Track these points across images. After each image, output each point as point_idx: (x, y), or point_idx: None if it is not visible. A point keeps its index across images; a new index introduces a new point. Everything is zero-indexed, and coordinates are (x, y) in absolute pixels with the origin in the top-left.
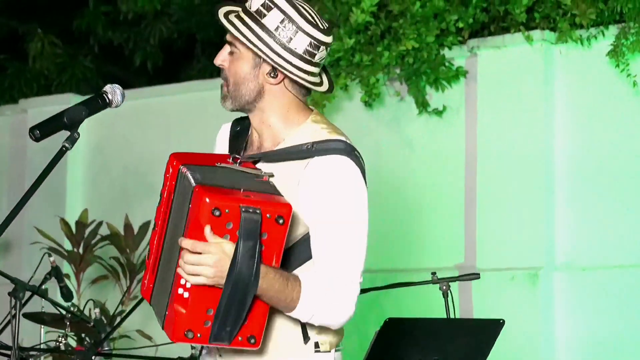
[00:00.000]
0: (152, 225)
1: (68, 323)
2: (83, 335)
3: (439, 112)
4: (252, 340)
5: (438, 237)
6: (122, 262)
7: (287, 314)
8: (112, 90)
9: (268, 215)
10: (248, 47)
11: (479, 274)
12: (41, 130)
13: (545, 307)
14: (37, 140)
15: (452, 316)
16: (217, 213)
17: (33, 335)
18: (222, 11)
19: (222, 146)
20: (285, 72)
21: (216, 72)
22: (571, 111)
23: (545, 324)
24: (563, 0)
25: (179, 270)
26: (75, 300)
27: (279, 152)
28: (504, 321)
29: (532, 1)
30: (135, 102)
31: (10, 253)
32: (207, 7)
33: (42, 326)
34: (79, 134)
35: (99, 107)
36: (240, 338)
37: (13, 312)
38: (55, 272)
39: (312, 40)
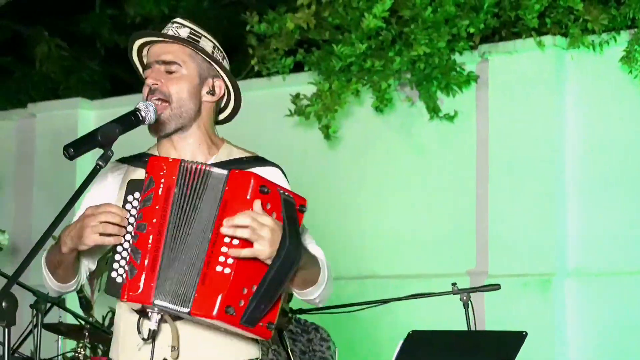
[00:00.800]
0: (132, 228)
1: (87, 334)
2: (101, 346)
3: (450, 118)
4: (271, 327)
5: (449, 242)
6: None
7: (302, 291)
8: (145, 108)
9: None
10: (193, 66)
11: (499, 285)
12: (75, 149)
13: (557, 313)
14: (70, 158)
15: (472, 326)
16: (266, 190)
17: (49, 346)
18: (144, 36)
19: (111, 187)
20: (229, 89)
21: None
22: (582, 116)
23: (557, 330)
24: (575, 6)
25: (222, 249)
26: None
27: (229, 161)
28: (526, 333)
29: (544, 7)
30: None
31: (19, 259)
32: (215, 11)
33: (60, 337)
34: (112, 152)
35: (132, 124)
36: (261, 323)
37: (35, 323)
38: None
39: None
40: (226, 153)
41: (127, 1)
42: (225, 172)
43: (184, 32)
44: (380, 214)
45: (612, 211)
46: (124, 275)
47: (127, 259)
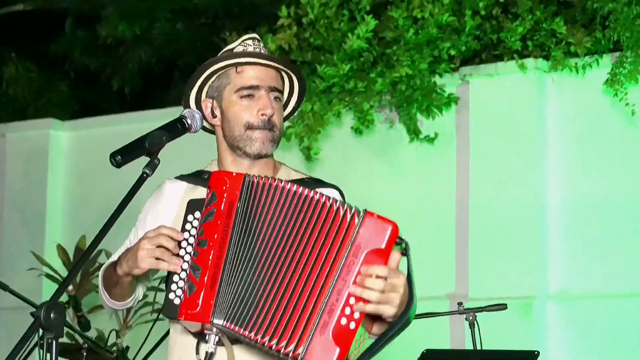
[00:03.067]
0: (191, 248)
1: (85, 354)
2: None
3: (430, 140)
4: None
5: (429, 265)
6: None
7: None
8: (191, 115)
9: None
10: (283, 95)
11: (506, 305)
12: (122, 156)
13: (539, 337)
14: (118, 166)
15: (477, 346)
16: (400, 242)
17: None
18: (258, 58)
19: (168, 204)
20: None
21: None
22: (564, 139)
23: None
24: (558, 29)
25: (351, 289)
26: None
27: (291, 181)
28: (538, 352)
29: (527, 29)
30: (115, 128)
31: None
32: (189, 32)
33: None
34: (159, 160)
35: (178, 132)
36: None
37: (37, 341)
38: (74, 302)
39: None
40: (285, 173)
41: (99, 23)
42: (353, 209)
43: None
44: None
45: (594, 234)
46: (182, 295)
47: (186, 277)
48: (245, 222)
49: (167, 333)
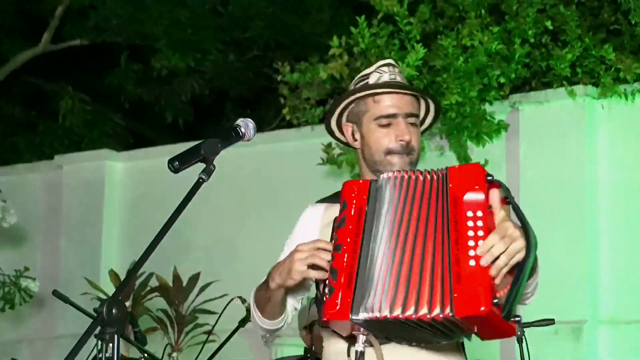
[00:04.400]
0: (324, 249)
1: None
2: None
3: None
4: (519, 322)
5: None
6: (171, 314)
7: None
8: (245, 124)
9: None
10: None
11: (553, 320)
12: (180, 162)
13: None
14: (175, 171)
15: None
16: (491, 179)
17: None
18: (393, 88)
19: (310, 226)
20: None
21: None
22: (614, 165)
23: None
24: (607, 55)
25: (469, 242)
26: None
27: None
28: None
29: (575, 56)
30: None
31: (46, 307)
32: (240, 63)
33: None
34: (214, 166)
35: (232, 140)
36: (512, 318)
37: (99, 355)
38: (131, 318)
39: None
40: None
41: (153, 55)
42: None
43: (403, 78)
44: None
45: None
46: (323, 298)
47: (327, 281)
48: (373, 222)
49: (215, 353)
